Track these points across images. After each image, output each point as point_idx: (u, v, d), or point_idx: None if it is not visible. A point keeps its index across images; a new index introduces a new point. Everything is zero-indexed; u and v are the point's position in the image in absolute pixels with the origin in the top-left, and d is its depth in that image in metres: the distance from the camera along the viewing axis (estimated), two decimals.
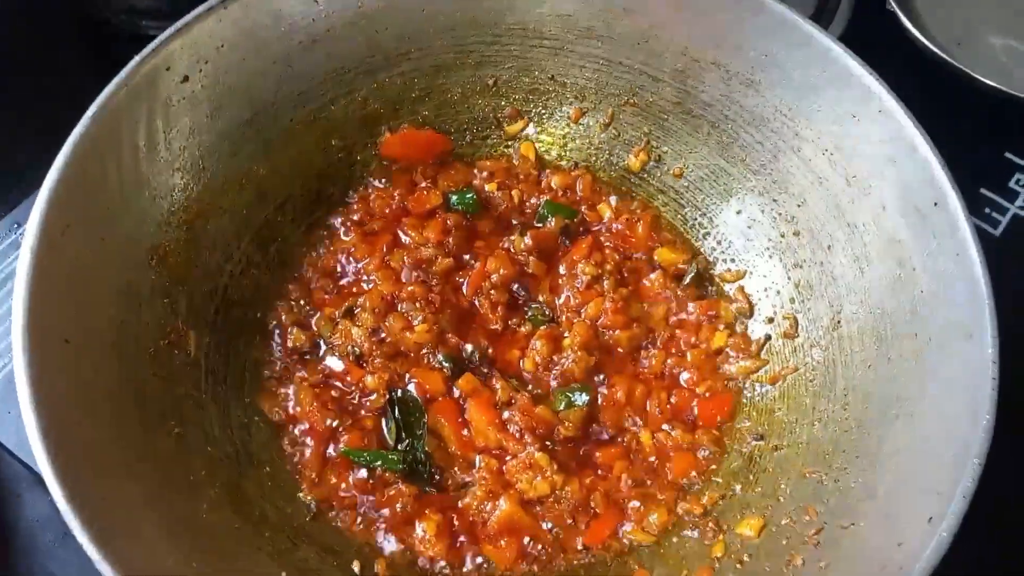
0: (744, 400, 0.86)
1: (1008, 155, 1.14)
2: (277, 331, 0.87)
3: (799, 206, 0.87)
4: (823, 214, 0.85)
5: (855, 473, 0.74)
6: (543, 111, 0.96)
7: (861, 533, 0.70)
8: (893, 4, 1.14)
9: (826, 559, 0.70)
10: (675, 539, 0.79)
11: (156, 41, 0.78)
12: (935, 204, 0.76)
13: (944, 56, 1.09)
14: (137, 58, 0.76)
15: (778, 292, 0.88)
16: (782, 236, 0.89)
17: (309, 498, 0.81)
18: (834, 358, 0.82)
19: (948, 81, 1.08)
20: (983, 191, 1.11)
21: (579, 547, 0.80)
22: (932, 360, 0.74)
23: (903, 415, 0.73)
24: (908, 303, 0.77)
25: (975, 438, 0.66)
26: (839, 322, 0.83)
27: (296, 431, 0.83)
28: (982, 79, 1.05)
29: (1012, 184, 1.11)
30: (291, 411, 0.84)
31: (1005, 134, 1.15)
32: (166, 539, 0.69)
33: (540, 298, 0.91)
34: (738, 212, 0.91)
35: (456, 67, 0.94)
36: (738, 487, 0.81)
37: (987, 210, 1.09)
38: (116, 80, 0.75)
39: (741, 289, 0.90)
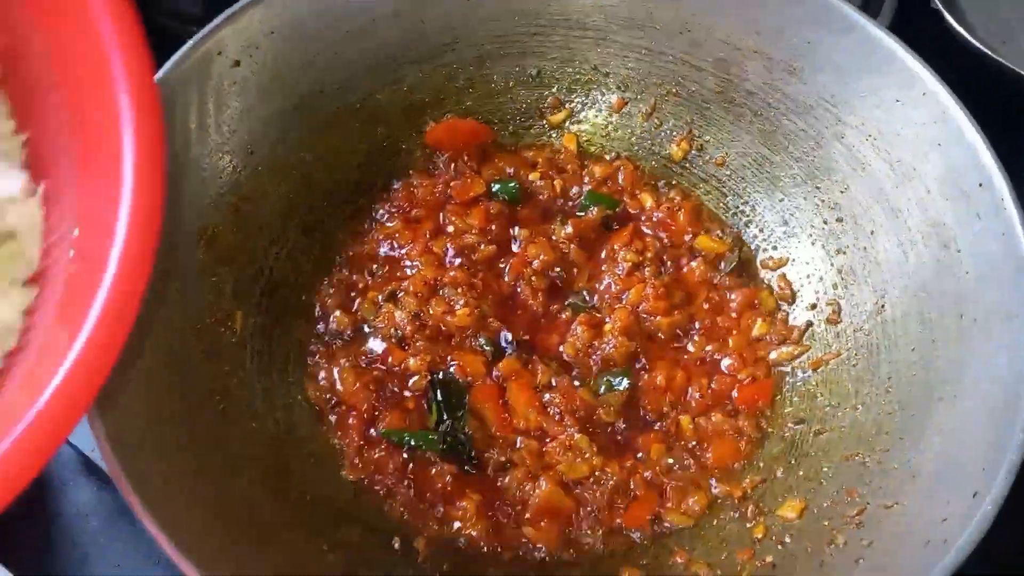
0: (785, 386, 0.85)
1: None
2: (321, 314, 0.89)
3: (842, 192, 0.87)
4: (866, 200, 0.85)
5: (898, 454, 0.73)
6: (585, 101, 0.97)
7: (904, 512, 0.69)
8: (937, 2, 1.13)
9: (868, 537, 0.69)
10: (715, 522, 0.79)
11: (209, 27, 0.80)
12: (980, 185, 0.76)
13: (989, 53, 1.08)
14: (190, 42, 0.79)
15: (820, 278, 0.88)
16: (825, 223, 0.88)
17: (351, 477, 0.81)
18: (878, 342, 0.81)
19: (994, 78, 1.07)
20: None
21: (618, 529, 0.80)
22: (976, 341, 0.73)
23: (947, 396, 0.73)
24: (952, 285, 0.76)
25: (1020, 415, 0.65)
26: (883, 307, 0.82)
27: (338, 411, 0.84)
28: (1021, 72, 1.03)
29: None
30: (334, 392, 0.85)
31: None
32: (212, 514, 0.70)
33: (580, 285, 0.91)
34: (780, 200, 0.91)
35: (499, 57, 0.95)
36: (779, 471, 0.80)
37: None
38: (169, 63, 0.77)
39: (783, 276, 0.90)
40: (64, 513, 0.86)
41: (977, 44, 1.08)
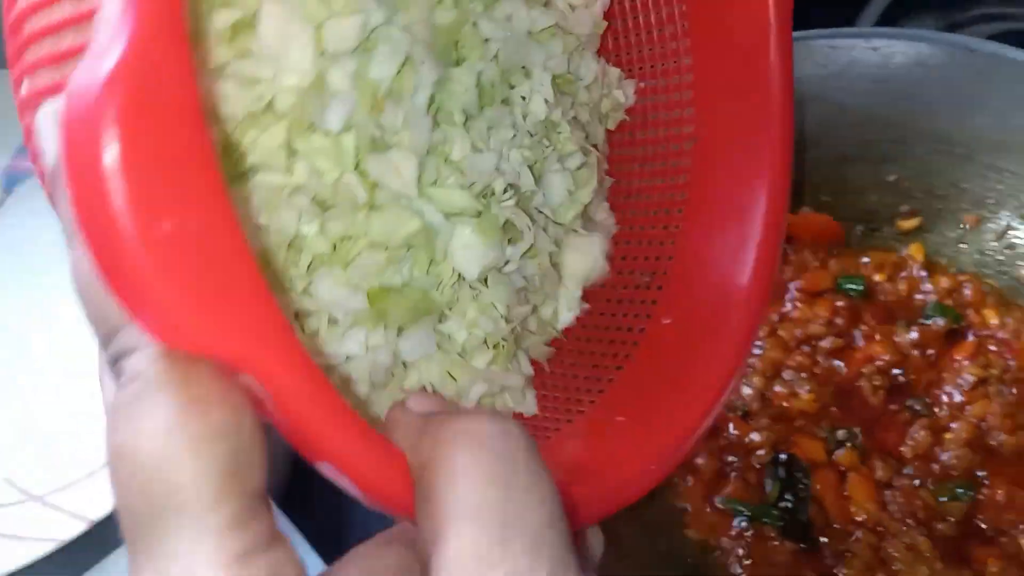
0: None
1: None
2: None
3: None
4: None
5: None
6: (938, 213, 1.00)
7: None
8: None
9: None
10: None
11: None
12: None
13: None
14: None
15: None
16: None
17: (695, 536, 0.85)
18: None
19: None
20: None
21: None
22: None
23: None
24: None
25: None
26: None
27: (685, 476, 0.88)
28: None
29: None
30: None
31: None
32: None
33: (920, 390, 0.93)
34: None
35: (859, 160, 0.99)
36: None
37: None
38: None
39: None
40: None
41: None
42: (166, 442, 0.26)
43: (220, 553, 0.26)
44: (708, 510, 0.86)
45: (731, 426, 0.90)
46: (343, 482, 0.31)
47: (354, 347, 0.44)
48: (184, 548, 0.25)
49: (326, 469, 0.31)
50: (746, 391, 0.91)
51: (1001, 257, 0.99)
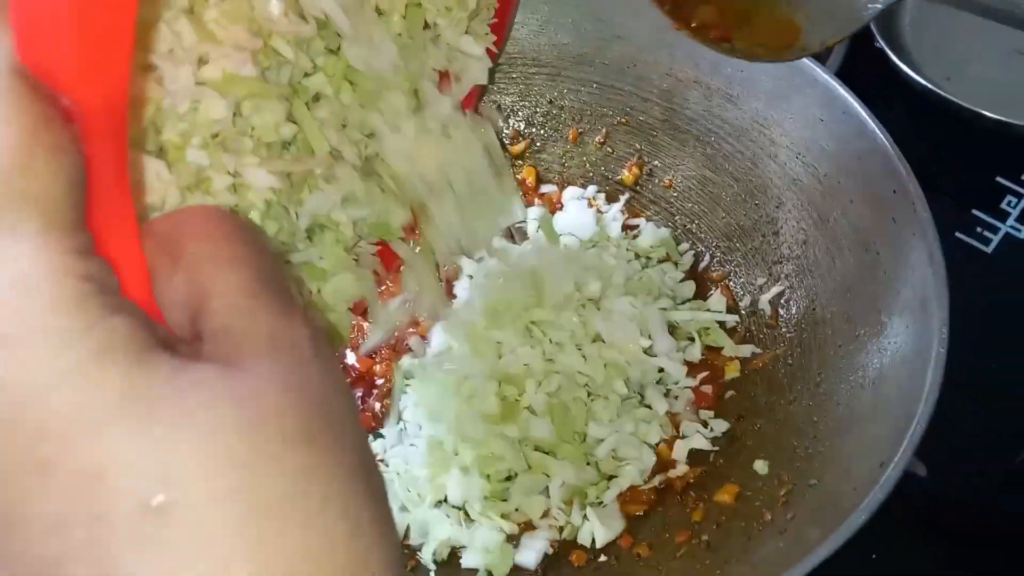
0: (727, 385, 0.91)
1: (999, 179, 1.19)
2: None
3: (777, 207, 0.94)
4: (799, 213, 0.92)
5: (824, 440, 0.79)
6: (543, 132, 1.05)
7: (824, 488, 0.74)
8: (881, 41, 1.20)
9: (792, 512, 0.74)
10: (660, 508, 0.84)
11: None
12: (894, 192, 0.82)
13: (933, 88, 1.15)
14: None
15: (760, 287, 0.94)
16: (763, 237, 0.95)
17: None
18: (809, 341, 0.87)
19: (941, 113, 1.14)
20: (975, 212, 1.16)
21: None
22: (893, 331, 0.79)
23: (867, 384, 0.78)
24: (872, 283, 0.83)
25: (923, 391, 0.71)
26: (814, 309, 0.88)
27: None
28: (971, 107, 1.10)
29: (1003, 205, 1.16)
30: None
31: (997, 160, 1.20)
32: None
33: None
34: (723, 217, 0.98)
35: None
36: (720, 461, 0.85)
37: (979, 229, 1.14)
38: None
39: (726, 286, 0.96)
40: None
41: (922, 81, 1.15)
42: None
43: (63, 242, 0.29)
44: None
45: None
46: None
47: None
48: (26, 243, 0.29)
49: None
50: None
51: (602, 165, 1.04)
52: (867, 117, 0.85)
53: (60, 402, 0.28)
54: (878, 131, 0.85)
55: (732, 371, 0.90)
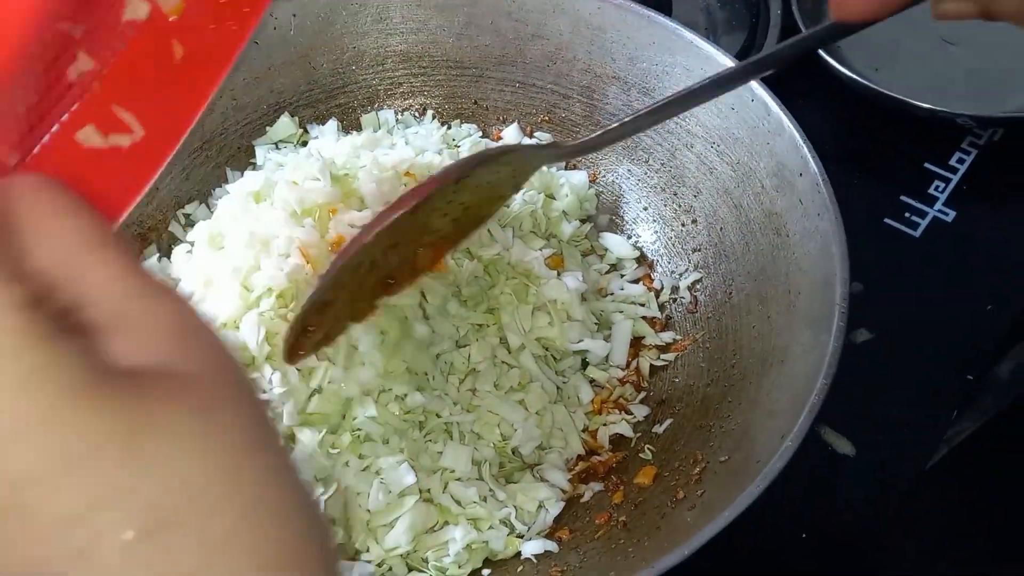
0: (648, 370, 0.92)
1: (927, 165, 1.21)
2: None
3: (695, 196, 0.95)
4: (715, 200, 0.93)
5: (736, 417, 0.80)
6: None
7: (733, 464, 0.76)
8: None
9: (703, 489, 0.76)
10: (582, 491, 0.85)
11: None
12: (800, 174, 0.84)
13: (861, 80, 1.17)
14: None
15: (680, 275, 0.96)
16: (683, 225, 0.96)
17: None
18: (727, 325, 0.89)
19: (870, 103, 1.16)
20: (904, 198, 1.18)
21: None
22: (800, 310, 0.80)
23: (776, 362, 0.80)
24: (784, 265, 0.84)
25: (823, 367, 0.72)
26: (731, 293, 0.90)
27: None
28: (899, 97, 1.12)
29: (931, 191, 1.18)
30: None
31: (924, 147, 1.22)
32: None
33: None
34: (645, 208, 0.99)
35: (388, 96, 1.05)
36: (642, 445, 0.86)
37: (908, 214, 1.16)
38: None
39: (648, 276, 0.98)
40: None
41: (849, 73, 1.17)
42: None
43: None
44: None
45: None
46: None
47: None
48: None
49: None
50: None
51: None
52: (775, 103, 0.87)
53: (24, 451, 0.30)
54: (785, 117, 0.86)
55: (652, 357, 0.91)
